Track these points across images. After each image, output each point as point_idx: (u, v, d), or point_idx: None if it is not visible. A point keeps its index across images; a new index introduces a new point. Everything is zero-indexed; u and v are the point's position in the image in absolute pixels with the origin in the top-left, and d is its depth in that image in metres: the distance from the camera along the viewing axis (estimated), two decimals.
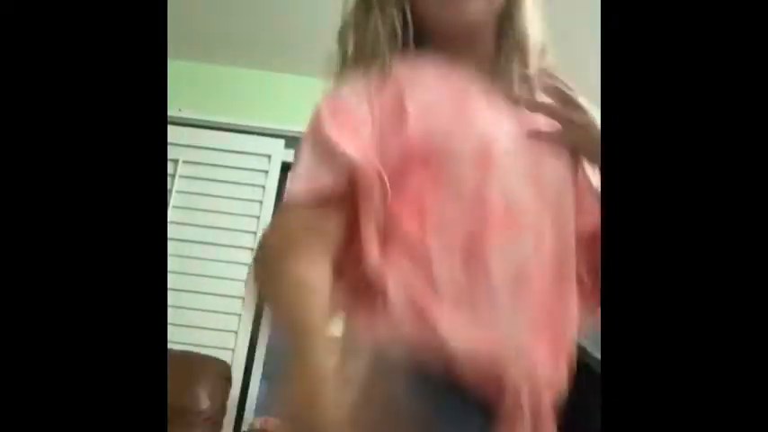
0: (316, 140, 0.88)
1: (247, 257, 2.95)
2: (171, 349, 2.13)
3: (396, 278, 0.81)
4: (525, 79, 0.94)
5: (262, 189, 3.03)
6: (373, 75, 0.91)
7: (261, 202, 3.02)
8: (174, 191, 2.98)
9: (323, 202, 0.85)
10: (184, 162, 3.02)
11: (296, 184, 0.87)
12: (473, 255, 0.82)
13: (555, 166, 0.92)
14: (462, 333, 0.78)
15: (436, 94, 0.92)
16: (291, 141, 2.99)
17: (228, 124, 3.11)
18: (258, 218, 3.00)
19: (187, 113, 3.04)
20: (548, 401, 0.81)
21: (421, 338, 0.77)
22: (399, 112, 0.88)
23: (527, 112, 0.93)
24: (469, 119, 0.90)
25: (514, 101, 0.93)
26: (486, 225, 0.83)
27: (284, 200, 0.89)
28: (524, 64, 0.94)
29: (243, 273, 2.93)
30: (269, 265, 0.86)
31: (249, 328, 2.88)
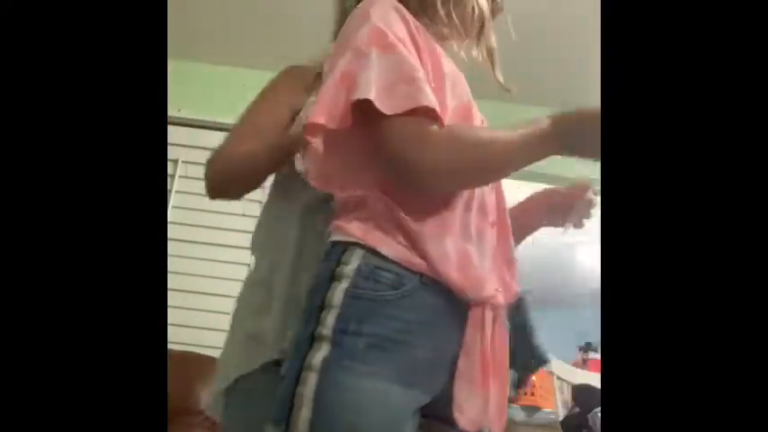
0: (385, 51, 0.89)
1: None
2: (171, 349, 2.13)
3: None
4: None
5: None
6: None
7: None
8: (173, 191, 2.97)
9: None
10: (184, 162, 3.02)
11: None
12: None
13: None
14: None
15: (451, 67, 0.99)
16: None
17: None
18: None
19: (187, 113, 3.04)
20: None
21: None
22: (438, 71, 0.95)
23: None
24: (465, 91, 1.01)
25: None
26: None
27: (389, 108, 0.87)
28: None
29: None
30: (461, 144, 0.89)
31: None
